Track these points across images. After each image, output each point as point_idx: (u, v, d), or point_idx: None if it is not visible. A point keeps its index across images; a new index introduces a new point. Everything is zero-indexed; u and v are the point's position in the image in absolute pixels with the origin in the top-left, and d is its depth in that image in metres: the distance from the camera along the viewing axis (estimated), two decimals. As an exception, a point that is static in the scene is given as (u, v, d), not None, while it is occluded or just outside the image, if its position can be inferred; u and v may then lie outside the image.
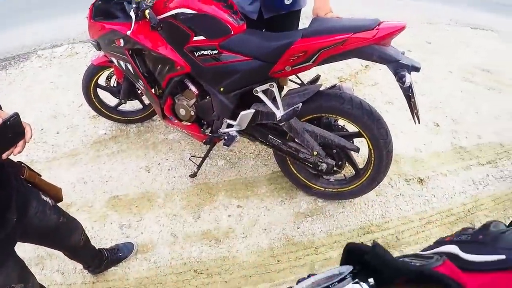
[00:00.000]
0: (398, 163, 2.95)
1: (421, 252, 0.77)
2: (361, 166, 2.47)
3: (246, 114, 2.18)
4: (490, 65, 5.54)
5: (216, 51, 2.00)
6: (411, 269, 0.55)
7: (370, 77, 4.12)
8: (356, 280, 0.57)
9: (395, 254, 2.31)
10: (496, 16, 10.57)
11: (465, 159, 3.10)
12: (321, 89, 2.09)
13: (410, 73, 1.69)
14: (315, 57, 1.78)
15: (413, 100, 1.81)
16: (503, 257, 0.54)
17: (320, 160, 2.23)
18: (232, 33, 1.97)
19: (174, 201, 2.64)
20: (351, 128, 2.17)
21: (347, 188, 2.46)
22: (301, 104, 1.99)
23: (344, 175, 2.56)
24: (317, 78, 2.50)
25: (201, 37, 2.01)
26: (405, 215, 2.57)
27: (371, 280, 0.56)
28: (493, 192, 2.85)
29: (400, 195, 2.71)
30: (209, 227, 2.47)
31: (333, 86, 2.24)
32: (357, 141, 2.25)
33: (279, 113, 2.02)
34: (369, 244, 0.60)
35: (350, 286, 0.56)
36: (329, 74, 4.08)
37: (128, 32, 2.09)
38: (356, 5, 6.69)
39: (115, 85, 3.07)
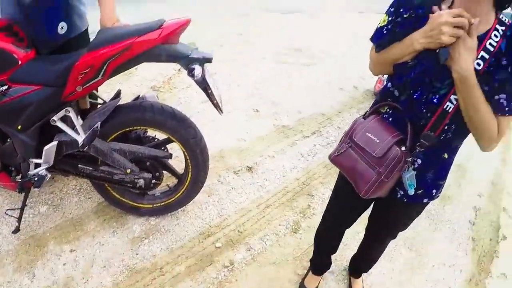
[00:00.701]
0: (223, 158, 3.37)
1: None
2: (182, 171, 2.82)
3: (50, 148, 2.22)
4: (301, 44, 6.76)
5: (5, 87, 2.01)
6: None
7: (184, 80, 4.56)
8: None
9: (241, 248, 2.75)
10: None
11: (289, 136, 3.74)
12: (121, 103, 2.29)
13: (203, 66, 2.02)
14: (104, 69, 1.96)
15: (210, 91, 2.14)
16: None
17: (136, 176, 2.45)
18: (20, 63, 2.02)
19: (5, 266, 2.50)
20: (163, 136, 2.43)
21: (174, 198, 2.73)
22: (99, 124, 2.14)
23: (167, 185, 2.84)
24: (118, 93, 2.76)
25: (-14, 74, 1.95)
26: (242, 206, 2.97)
27: None
28: (322, 159, 3.53)
29: (232, 189, 3.10)
30: (47, 283, 2.41)
31: (137, 98, 2.49)
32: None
33: (81, 139, 2.14)
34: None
35: None
36: (142, 86, 4.38)
37: None
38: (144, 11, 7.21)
39: None
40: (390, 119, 1.47)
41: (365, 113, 1.55)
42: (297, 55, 6.02)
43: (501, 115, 1.28)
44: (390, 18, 1.40)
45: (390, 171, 1.36)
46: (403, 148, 1.35)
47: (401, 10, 1.36)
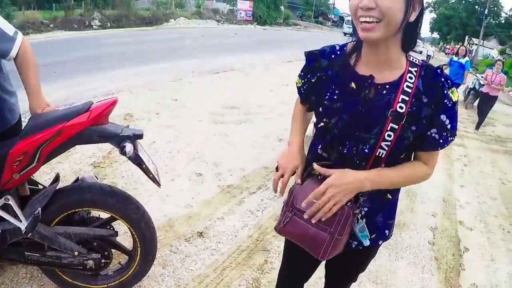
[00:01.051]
0: (173, 227, 3.41)
1: None
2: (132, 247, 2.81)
3: None
4: (236, 102, 7.16)
5: None
6: None
7: (124, 153, 4.66)
8: None
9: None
10: (234, 56, 13.73)
11: (236, 195, 3.88)
12: (60, 186, 2.36)
13: (134, 143, 2.16)
14: (38, 155, 2.06)
15: (144, 166, 2.26)
16: None
17: (85, 258, 2.47)
18: None
19: None
20: (107, 215, 2.48)
21: (128, 275, 2.72)
22: (40, 209, 2.20)
23: (119, 263, 2.83)
24: (56, 177, 2.78)
25: None
26: (198, 273, 2.98)
27: None
28: (272, 213, 3.68)
29: (186, 257, 3.11)
30: None
31: (76, 180, 2.57)
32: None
33: (23, 226, 2.18)
34: None
35: None
36: (82, 164, 4.37)
37: None
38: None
39: None
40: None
41: (302, 178, 1.56)
42: (233, 113, 6.27)
43: (433, 150, 1.38)
44: (302, 81, 1.52)
45: (342, 228, 1.36)
46: (348, 203, 1.35)
47: (309, 76, 1.47)
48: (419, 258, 3.43)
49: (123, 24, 25.85)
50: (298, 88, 1.58)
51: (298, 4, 70.81)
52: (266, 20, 42.15)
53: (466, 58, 9.95)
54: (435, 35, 70.41)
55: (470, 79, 12.18)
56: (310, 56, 1.49)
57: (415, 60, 1.35)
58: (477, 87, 10.92)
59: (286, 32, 36.50)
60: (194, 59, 11.89)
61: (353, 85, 1.34)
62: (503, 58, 18.03)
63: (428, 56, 30.67)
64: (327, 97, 1.39)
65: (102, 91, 7.12)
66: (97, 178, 2.62)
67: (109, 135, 2.12)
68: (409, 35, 1.29)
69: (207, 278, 2.98)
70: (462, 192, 5.04)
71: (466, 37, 52.52)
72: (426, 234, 3.81)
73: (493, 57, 20.98)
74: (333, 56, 1.43)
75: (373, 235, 1.51)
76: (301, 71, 1.52)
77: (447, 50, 51.87)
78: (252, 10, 41.50)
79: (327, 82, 1.40)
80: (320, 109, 1.42)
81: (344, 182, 1.29)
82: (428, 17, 66.23)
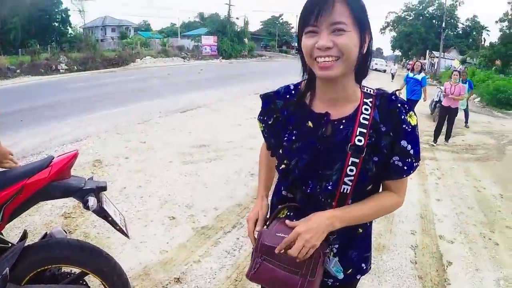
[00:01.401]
0: (149, 275, 3.28)
1: None
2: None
3: None
4: (205, 139, 7.15)
5: None
6: None
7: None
8: None
9: None
10: (200, 92, 13.84)
11: (211, 236, 3.80)
12: (27, 244, 2.25)
13: (98, 195, 2.11)
14: (1, 214, 2.00)
15: (110, 218, 2.22)
16: None
17: None
18: None
19: None
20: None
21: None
22: (7, 269, 2.10)
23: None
24: (24, 234, 2.68)
25: None
26: None
27: None
28: (249, 251, 3.60)
29: None
30: None
31: (44, 236, 2.47)
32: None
33: None
34: None
35: None
36: (52, 215, 4.19)
37: None
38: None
39: None
40: (294, 220, 1.41)
41: (264, 223, 1.52)
42: (203, 151, 6.26)
43: (399, 178, 1.37)
44: (263, 125, 1.50)
45: (314, 269, 1.32)
46: None
47: (265, 118, 1.47)
48: (403, 279, 3.40)
49: (89, 67, 26.05)
50: (262, 132, 1.55)
51: (262, 35, 72.50)
52: (231, 53, 42.89)
53: (422, 74, 10.08)
54: (397, 52, 72.67)
55: (435, 92, 12.55)
56: (266, 99, 1.48)
57: (369, 91, 1.36)
58: (442, 99, 10.83)
59: (252, 64, 37.14)
60: (161, 99, 11.93)
61: (309, 124, 1.34)
62: (465, 68, 18.67)
63: (393, 74, 31.61)
64: (285, 138, 1.38)
65: (69, 138, 7.06)
66: (66, 232, 2.54)
67: (71, 189, 2.09)
68: (361, 67, 1.30)
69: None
70: (439, 206, 5.08)
71: (427, 51, 54.45)
72: (408, 253, 3.80)
73: (455, 67, 21.70)
74: (288, 96, 1.43)
75: (350, 270, 1.48)
76: (259, 115, 1.51)
77: (408, 66, 53.51)
78: (217, 45, 42.23)
79: (284, 123, 1.40)
80: (280, 151, 1.40)
81: (312, 227, 1.27)
82: (389, 35, 68.50)
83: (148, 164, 5.65)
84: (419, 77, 9.79)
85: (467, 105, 12.43)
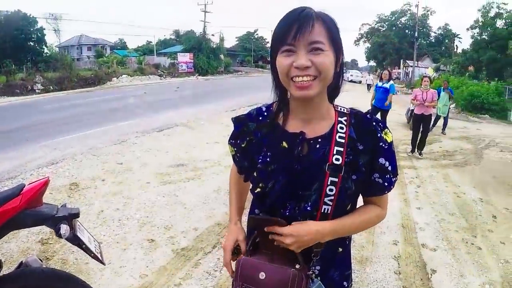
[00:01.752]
0: (128, 302, 3.24)
1: None
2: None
3: None
4: (182, 159, 7.10)
5: None
6: None
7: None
8: None
9: None
10: (177, 110, 13.77)
11: (191, 257, 3.73)
12: (2, 274, 2.21)
13: (71, 222, 2.07)
14: None
15: (84, 246, 2.16)
16: None
17: None
18: None
19: None
20: None
21: None
22: None
23: None
24: None
25: None
26: None
27: None
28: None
29: None
30: None
31: (20, 265, 2.39)
32: None
33: None
34: None
35: None
36: (29, 242, 4.06)
37: None
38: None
39: None
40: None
41: (247, 247, 1.47)
42: (181, 171, 6.22)
43: (382, 194, 1.39)
44: (234, 149, 1.49)
45: None
46: (297, 266, 1.30)
47: (238, 141, 1.45)
48: (388, 291, 3.40)
49: (66, 86, 25.85)
50: (233, 156, 1.54)
51: (237, 51, 72.97)
52: (207, 70, 43.01)
53: (391, 82, 10.03)
54: (372, 63, 73.97)
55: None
56: (238, 122, 1.47)
57: (343, 109, 1.37)
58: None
59: (228, 80, 37.31)
60: (138, 118, 11.85)
61: (284, 144, 1.33)
62: (439, 75, 19.07)
63: (368, 85, 32.09)
64: (260, 160, 1.36)
65: (45, 161, 6.93)
66: (42, 261, 2.47)
67: (43, 217, 2.05)
68: (334, 85, 1.32)
69: None
70: (420, 214, 5.12)
71: (401, 60, 55.60)
72: (391, 264, 3.80)
73: (425, 73, 22.23)
74: (260, 118, 1.42)
75: None
76: (231, 138, 1.49)
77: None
78: (193, 62, 42.27)
79: (258, 145, 1.39)
80: (255, 174, 1.37)
81: (302, 234, 1.25)
82: (363, 47, 69.70)
83: (126, 186, 5.57)
84: (387, 85, 9.80)
85: (448, 113, 12.67)
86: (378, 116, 9.10)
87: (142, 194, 5.30)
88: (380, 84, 10.04)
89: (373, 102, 10.16)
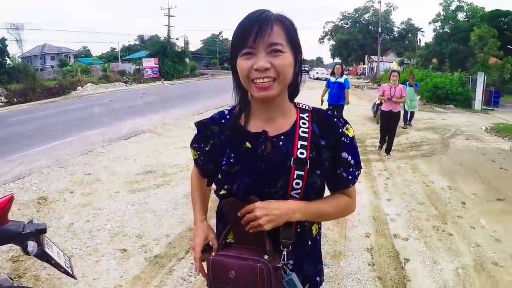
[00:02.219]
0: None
1: None
2: None
3: None
4: (151, 165, 7.05)
5: None
6: None
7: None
8: None
9: None
10: (144, 117, 13.62)
11: (164, 264, 3.71)
12: None
13: (38, 238, 2.05)
14: None
15: (53, 261, 2.13)
16: None
17: None
18: None
19: None
20: None
21: None
22: None
23: None
24: None
25: None
26: None
27: None
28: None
29: None
30: None
31: None
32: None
33: None
34: None
35: None
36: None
37: None
38: None
39: None
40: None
41: (220, 240, 1.49)
42: (150, 178, 6.19)
43: (347, 187, 1.43)
44: (198, 153, 1.51)
45: (268, 287, 1.29)
46: (265, 257, 1.30)
47: (202, 145, 1.47)
48: (363, 283, 3.46)
49: (30, 98, 25.04)
50: (195, 160, 1.56)
51: (203, 54, 72.76)
52: (173, 74, 42.63)
53: (344, 76, 9.41)
54: (337, 59, 74.95)
55: (376, 95, 12.97)
56: (201, 126, 1.49)
57: (305, 106, 1.42)
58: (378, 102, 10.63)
59: (194, 83, 37.17)
60: (104, 127, 11.66)
61: (247, 144, 1.35)
62: (403, 69, 19.42)
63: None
64: (224, 162, 1.37)
65: (11, 176, 6.72)
66: (12, 280, 2.44)
67: (10, 235, 2.03)
68: (294, 85, 1.36)
69: None
70: (390, 206, 5.25)
71: (366, 56, 56.59)
72: (364, 256, 3.88)
73: (392, 68, 22.66)
74: (223, 121, 1.45)
75: (307, 285, 1.48)
76: (193, 143, 1.51)
77: (349, 71, 55.44)
78: (158, 66, 41.83)
79: (221, 148, 1.40)
80: (219, 176, 1.38)
81: (272, 206, 1.28)
82: (328, 44, 70.55)
83: (95, 197, 5.49)
84: (342, 80, 9.26)
85: (416, 107, 12.85)
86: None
87: (112, 204, 5.23)
88: (333, 79, 9.42)
89: (323, 97, 9.60)
